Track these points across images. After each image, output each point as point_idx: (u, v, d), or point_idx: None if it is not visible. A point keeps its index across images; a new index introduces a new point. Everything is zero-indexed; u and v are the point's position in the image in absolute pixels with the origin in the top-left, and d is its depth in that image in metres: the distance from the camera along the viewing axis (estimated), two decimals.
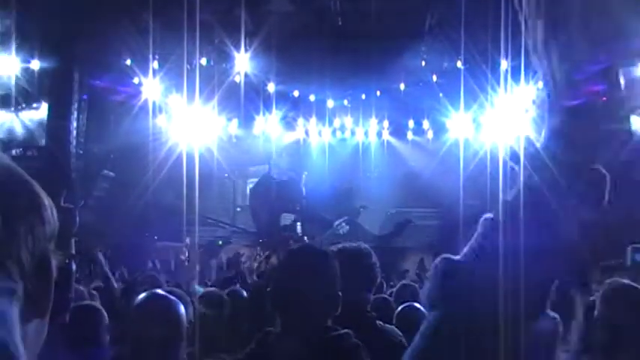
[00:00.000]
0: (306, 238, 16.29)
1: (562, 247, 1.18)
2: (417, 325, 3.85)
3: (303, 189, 18.44)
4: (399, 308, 4.58)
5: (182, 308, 2.85)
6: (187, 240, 13.06)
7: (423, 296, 1.27)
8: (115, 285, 6.08)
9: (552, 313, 1.28)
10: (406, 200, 19.35)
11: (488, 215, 1.24)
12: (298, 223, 18.19)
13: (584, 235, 1.21)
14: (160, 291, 3.18)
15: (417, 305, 4.70)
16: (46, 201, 0.99)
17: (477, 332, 1.16)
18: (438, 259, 1.26)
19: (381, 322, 3.44)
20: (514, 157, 1.28)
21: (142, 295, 3.00)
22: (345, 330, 2.45)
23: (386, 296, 5.67)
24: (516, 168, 1.25)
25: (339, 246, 3.37)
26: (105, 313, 3.99)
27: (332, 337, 2.42)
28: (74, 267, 2.68)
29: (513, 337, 1.15)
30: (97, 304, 4.33)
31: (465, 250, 1.25)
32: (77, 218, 2.55)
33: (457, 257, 1.24)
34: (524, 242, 1.17)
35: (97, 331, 3.84)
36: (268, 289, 2.51)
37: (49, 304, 0.99)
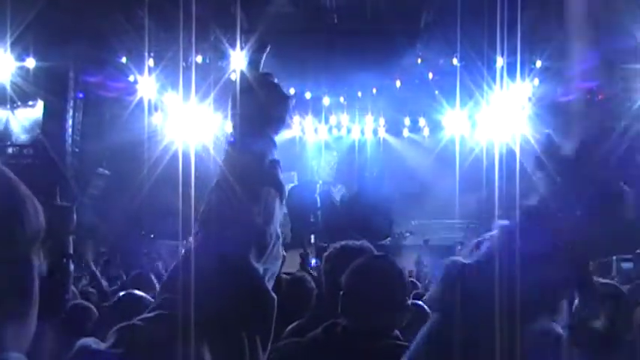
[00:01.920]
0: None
1: (574, 260, 1.17)
2: (419, 322, 3.83)
3: (318, 198, 18.42)
4: None
5: None
6: (191, 239, 13.04)
7: (428, 298, 1.26)
8: (103, 283, 6.09)
9: (557, 327, 1.27)
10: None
11: (504, 222, 1.23)
12: (312, 235, 18.18)
13: (598, 249, 1.21)
14: None
15: (420, 303, 4.69)
16: (29, 203, 0.98)
17: (476, 338, 1.15)
18: (447, 260, 1.25)
19: None
20: (539, 163, 1.26)
21: None
22: (403, 343, 2.51)
23: None
24: (537, 176, 1.24)
25: (342, 243, 3.36)
26: (95, 311, 4.01)
27: (395, 344, 2.47)
28: (71, 267, 2.68)
29: (510, 345, 1.15)
30: (87, 302, 4.33)
31: (476, 253, 1.25)
32: (74, 217, 2.53)
33: (466, 260, 1.23)
34: (539, 252, 1.16)
35: (87, 327, 3.85)
36: (341, 291, 2.58)
37: (28, 307, 0.99)
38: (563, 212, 1.17)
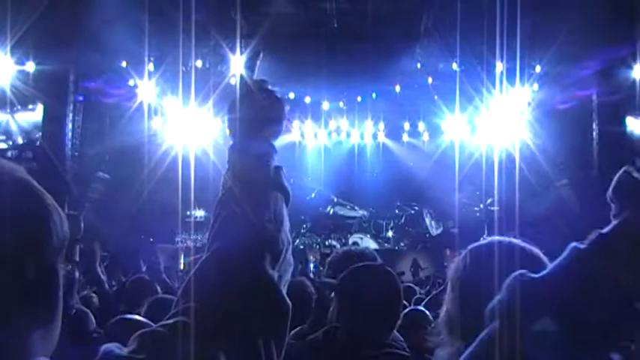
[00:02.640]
0: None
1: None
2: (421, 327, 3.86)
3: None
4: (405, 311, 4.59)
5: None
6: (189, 243, 13.06)
7: (492, 305, 1.25)
8: (107, 288, 6.08)
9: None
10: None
11: (578, 244, 1.22)
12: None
13: None
14: None
15: (421, 308, 4.71)
16: (55, 213, 1.00)
17: (530, 354, 1.15)
18: (516, 273, 1.26)
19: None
20: (620, 191, 1.26)
21: None
22: (403, 352, 2.54)
23: None
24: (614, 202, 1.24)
25: (345, 249, 3.39)
26: (92, 317, 4.03)
27: (397, 354, 2.51)
28: (77, 275, 2.70)
29: None
30: (84, 308, 4.34)
31: (546, 271, 1.24)
32: (82, 225, 2.56)
33: (534, 275, 1.23)
34: (608, 280, 1.16)
35: (85, 333, 3.87)
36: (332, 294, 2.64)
37: (54, 313, 1.01)
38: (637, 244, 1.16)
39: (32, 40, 12.62)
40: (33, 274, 0.95)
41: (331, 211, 19.83)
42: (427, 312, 4.51)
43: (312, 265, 14.50)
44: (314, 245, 18.61)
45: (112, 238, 13.05)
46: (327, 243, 18.69)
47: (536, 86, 15.63)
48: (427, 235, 18.92)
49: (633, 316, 1.16)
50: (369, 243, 18.85)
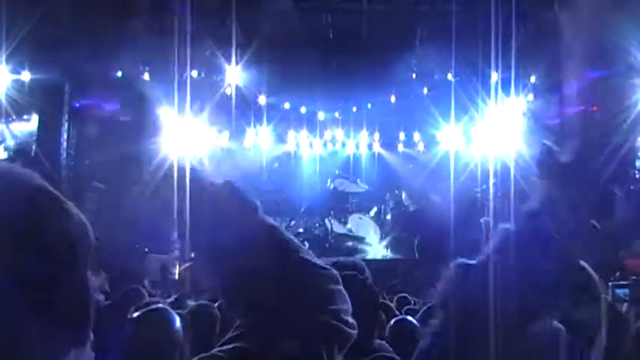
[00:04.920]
0: None
1: (572, 262, 1.20)
2: (409, 337, 3.89)
3: None
4: (392, 321, 4.60)
5: (177, 321, 2.88)
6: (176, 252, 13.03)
7: (436, 297, 1.28)
8: (101, 300, 6.06)
9: (557, 324, 1.29)
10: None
11: (506, 225, 1.25)
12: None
13: (595, 250, 1.22)
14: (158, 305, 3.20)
15: (410, 318, 4.73)
16: (81, 224, 0.99)
17: (478, 336, 1.17)
18: (454, 262, 1.28)
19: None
20: (542, 167, 1.29)
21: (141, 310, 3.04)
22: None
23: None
24: (537, 180, 1.27)
25: (334, 260, 3.36)
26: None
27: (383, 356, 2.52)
28: None
29: (510, 343, 1.16)
30: None
31: (480, 255, 1.27)
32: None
33: (470, 261, 1.26)
34: (539, 253, 1.18)
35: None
36: None
37: (87, 332, 0.99)
38: (560, 215, 1.19)
39: (28, 49, 12.61)
40: (66, 291, 0.92)
41: (331, 186, 20.00)
42: (414, 322, 4.54)
43: None
44: (313, 228, 18.79)
45: (106, 247, 13.01)
46: (326, 222, 18.94)
47: (531, 96, 15.68)
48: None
49: (559, 285, 1.21)
50: (368, 223, 19.03)
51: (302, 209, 19.25)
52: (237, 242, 1.32)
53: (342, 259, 3.39)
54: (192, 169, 1.37)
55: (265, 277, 1.32)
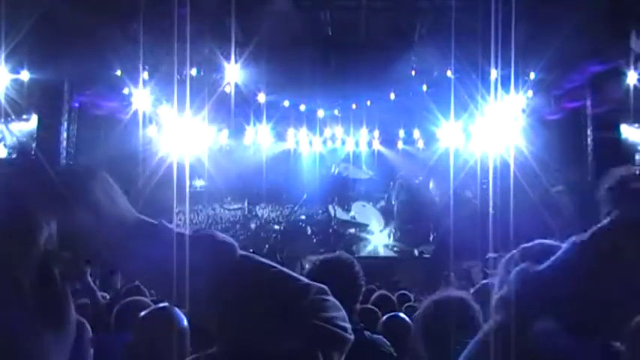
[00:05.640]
0: None
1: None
2: (402, 334, 3.92)
3: None
4: (384, 318, 4.63)
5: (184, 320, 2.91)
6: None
7: (498, 297, 1.28)
8: (100, 299, 6.05)
9: (617, 345, 1.30)
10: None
11: (577, 238, 1.26)
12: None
13: None
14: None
15: (402, 315, 4.75)
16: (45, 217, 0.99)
17: (536, 342, 1.17)
18: (521, 265, 1.28)
19: (369, 333, 3.46)
20: (616, 194, 1.31)
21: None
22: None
23: (371, 306, 5.72)
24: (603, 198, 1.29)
25: (321, 257, 3.40)
26: (89, 327, 3.98)
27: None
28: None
29: (569, 356, 1.17)
30: (80, 317, 4.31)
31: (548, 263, 1.28)
32: None
33: (538, 267, 1.27)
34: (607, 269, 1.19)
35: (81, 344, 3.82)
36: None
37: (62, 317, 1.00)
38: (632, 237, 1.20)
39: (27, 49, 12.60)
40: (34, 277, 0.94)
41: (336, 171, 20.12)
42: (406, 319, 4.56)
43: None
44: (315, 214, 18.94)
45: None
46: (330, 209, 19.14)
47: (530, 93, 15.68)
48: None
49: (631, 304, 1.21)
50: (371, 211, 19.15)
51: (305, 196, 19.37)
52: (219, 286, 1.34)
53: (328, 255, 3.45)
54: (161, 229, 1.38)
55: (253, 304, 1.34)
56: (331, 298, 1.43)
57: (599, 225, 1.24)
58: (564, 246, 1.25)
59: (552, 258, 1.27)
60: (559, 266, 1.23)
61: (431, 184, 19.69)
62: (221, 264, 1.35)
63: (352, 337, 1.40)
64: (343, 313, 1.42)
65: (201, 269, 1.31)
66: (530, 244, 1.89)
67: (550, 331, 1.16)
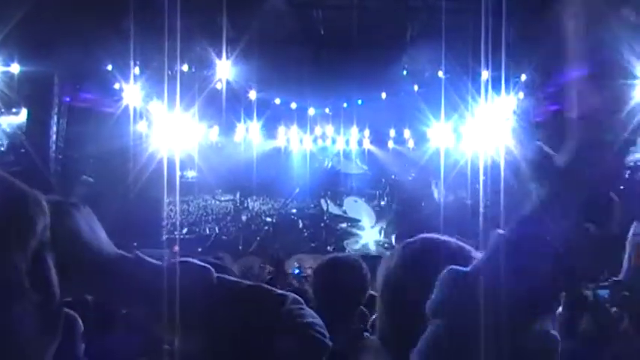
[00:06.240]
0: None
1: (566, 268, 1.20)
2: None
3: None
4: (373, 318, 4.62)
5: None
6: (176, 248, 13.04)
7: (429, 304, 1.28)
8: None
9: (554, 332, 1.30)
10: None
11: (500, 231, 1.26)
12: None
13: (587, 255, 1.23)
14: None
15: None
16: (37, 206, 1.00)
17: (474, 344, 1.17)
18: (447, 269, 1.29)
19: (367, 334, 3.47)
20: (535, 169, 1.29)
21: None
22: None
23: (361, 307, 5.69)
24: (530, 185, 1.27)
25: (330, 256, 3.42)
26: (80, 322, 3.97)
27: None
28: None
29: (508, 350, 1.17)
30: (72, 312, 4.29)
31: (474, 262, 1.28)
32: None
33: (464, 269, 1.26)
34: (532, 260, 1.19)
35: (73, 339, 3.81)
36: None
37: (48, 295, 1.01)
38: (553, 222, 1.19)
39: (17, 41, 12.55)
40: (21, 260, 0.95)
41: (329, 165, 20.16)
42: None
43: (296, 271, 14.49)
44: (307, 208, 18.96)
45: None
46: (322, 202, 19.33)
47: (521, 94, 15.73)
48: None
49: (554, 292, 1.22)
50: (362, 207, 19.21)
51: (297, 190, 19.41)
52: (203, 309, 1.39)
53: (339, 255, 3.50)
54: (139, 262, 1.43)
55: (235, 318, 1.38)
56: (306, 307, 1.46)
57: (523, 212, 1.24)
58: (490, 241, 1.26)
59: (481, 256, 1.29)
60: (484, 263, 1.24)
61: (433, 185, 19.74)
62: (201, 289, 1.40)
63: (330, 344, 1.42)
64: (320, 321, 1.44)
65: (183, 297, 1.36)
66: (412, 239, 1.78)
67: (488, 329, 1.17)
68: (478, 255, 1.43)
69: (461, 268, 1.25)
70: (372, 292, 7.01)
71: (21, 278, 0.94)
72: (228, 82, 16.24)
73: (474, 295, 1.17)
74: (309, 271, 14.34)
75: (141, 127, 16.54)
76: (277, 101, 18.99)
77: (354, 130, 19.90)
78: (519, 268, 1.16)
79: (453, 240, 1.48)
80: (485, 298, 1.16)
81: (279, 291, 1.48)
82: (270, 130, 19.69)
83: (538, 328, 1.22)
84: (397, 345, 1.37)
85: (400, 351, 1.35)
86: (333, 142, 20.32)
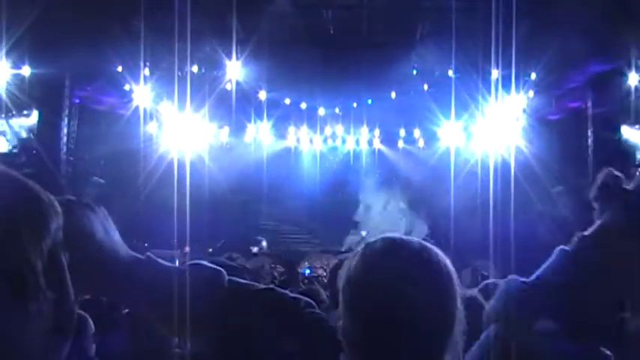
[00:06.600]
0: None
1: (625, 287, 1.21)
2: None
3: None
4: None
5: None
6: (187, 249, 13.05)
7: (489, 309, 1.29)
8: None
9: (607, 352, 1.30)
10: None
11: (564, 247, 1.27)
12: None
13: None
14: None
15: None
16: (51, 208, 1.00)
17: (530, 352, 1.18)
18: (509, 278, 1.30)
19: None
20: (604, 192, 1.31)
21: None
22: None
23: None
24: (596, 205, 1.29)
25: (343, 256, 3.43)
26: (91, 323, 3.98)
27: None
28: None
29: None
30: (83, 313, 4.30)
31: (537, 273, 1.29)
32: None
33: (526, 280, 1.28)
34: (594, 277, 1.20)
35: (84, 340, 3.82)
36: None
37: (63, 291, 1.01)
38: (620, 241, 1.20)
39: (28, 44, 12.60)
40: (36, 258, 0.95)
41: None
42: None
43: (307, 271, 14.50)
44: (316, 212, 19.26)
45: None
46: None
47: (531, 93, 15.67)
48: None
49: (620, 311, 1.23)
50: (376, 209, 19.38)
51: (306, 191, 19.63)
52: (215, 311, 1.40)
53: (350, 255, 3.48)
54: (152, 264, 1.44)
55: (250, 318, 1.39)
56: (319, 310, 1.47)
57: (587, 231, 1.25)
58: (552, 256, 1.27)
59: (542, 267, 1.29)
60: (548, 276, 1.25)
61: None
62: (213, 291, 1.41)
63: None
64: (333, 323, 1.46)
65: (194, 300, 1.36)
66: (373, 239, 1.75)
67: (545, 337, 1.17)
68: (442, 256, 1.40)
69: (521, 279, 1.27)
70: None
71: (37, 277, 0.94)
72: (238, 83, 16.27)
73: (532, 305, 1.19)
74: (320, 271, 14.35)
75: (151, 128, 16.59)
76: (287, 101, 19.01)
77: (364, 129, 19.91)
78: (581, 283, 1.18)
79: (415, 240, 1.46)
80: (543, 309, 1.18)
81: (292, 294, 1.49)
82: (280, 130, 19.72)
83: (592, 343, 1.23)
84: (361, 344, 1.36)
85: (364, 351, 1.33)
86: (343, 141, 20.34)
